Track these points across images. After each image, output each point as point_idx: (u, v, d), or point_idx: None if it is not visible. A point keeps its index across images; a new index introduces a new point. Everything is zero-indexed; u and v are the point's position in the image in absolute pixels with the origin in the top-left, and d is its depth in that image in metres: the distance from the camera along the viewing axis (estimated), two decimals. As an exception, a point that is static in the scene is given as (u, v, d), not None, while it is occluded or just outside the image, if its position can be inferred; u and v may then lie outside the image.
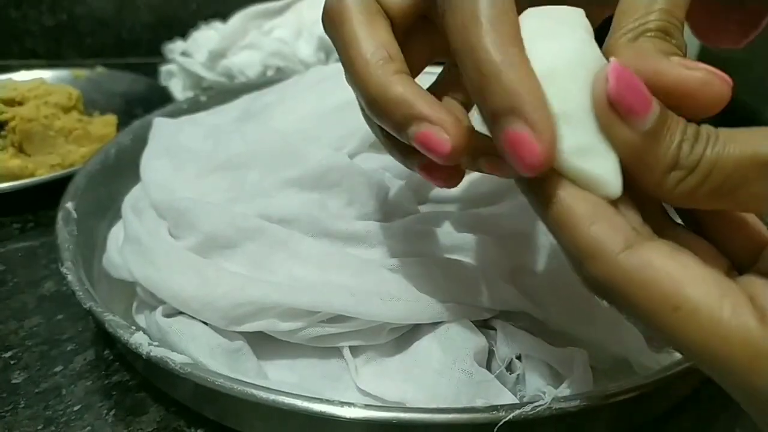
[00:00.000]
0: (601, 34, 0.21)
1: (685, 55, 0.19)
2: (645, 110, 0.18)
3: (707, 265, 0.18)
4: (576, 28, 0.20)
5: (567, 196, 0.18)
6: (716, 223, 0.22)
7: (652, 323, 0.17)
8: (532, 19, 0.20)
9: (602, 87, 0.18)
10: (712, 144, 0.18)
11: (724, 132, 0.18)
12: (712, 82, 0.18)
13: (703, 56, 0.74)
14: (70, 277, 0.31)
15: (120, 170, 0.42)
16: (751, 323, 0.16)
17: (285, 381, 0.29)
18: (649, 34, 0.19)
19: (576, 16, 0.21)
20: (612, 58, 0.18)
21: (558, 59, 0.19)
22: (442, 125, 0.20)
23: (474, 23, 0.18)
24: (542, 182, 0.19)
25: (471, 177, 0.37)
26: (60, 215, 0.36)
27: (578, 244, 0.18)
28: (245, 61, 0.61)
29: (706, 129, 0.18)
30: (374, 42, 0.22)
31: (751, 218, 0.23)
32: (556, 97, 0.19)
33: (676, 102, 0.18)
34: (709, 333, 0.16)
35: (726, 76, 0.19)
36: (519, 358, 0.29)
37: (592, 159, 0.19)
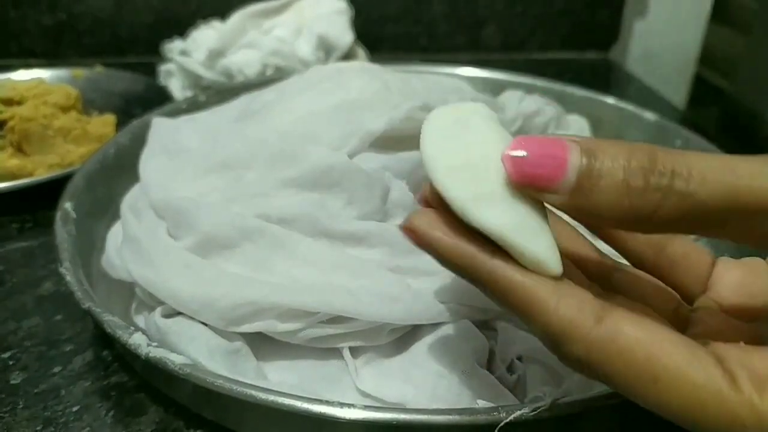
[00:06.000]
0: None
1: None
2: (558, 175, 0.17)
3: (672, 328, 0.18)
4: (483, 119, 0.20)
5: (526, 279, 0.18)
6: (659, 258, 0.23)
7: (633, 394, 0.18)
8: (439, 119, 0.21)
9: (509, 171, 0.17)
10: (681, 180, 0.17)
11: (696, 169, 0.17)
12: None
13: (705, 55, 0.74)
14: (68, 278, 0.31)
15: (119, 170, 0.42)
16: (724, 388, 0.17)
17: (284, 382, 0.29)
18: None
19: (479, 107, 0.21)
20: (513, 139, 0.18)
21: (471, 151, 0.19)
22: None
23: None
24: (493, 271, 0.18)
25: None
26: (58, 215, 0.36)
27: (549, 328, 0.18)
28: (244, 60, 0.61)
29: (662, 164, 0.17)
30: None
31: (691, 245, 0.23)
32: (474, 182, 0.18)
33: None
34: (688, 401, 0.17)
35: None
36: (520, 359, 0.29)
37: (528, 238, 0.18)
